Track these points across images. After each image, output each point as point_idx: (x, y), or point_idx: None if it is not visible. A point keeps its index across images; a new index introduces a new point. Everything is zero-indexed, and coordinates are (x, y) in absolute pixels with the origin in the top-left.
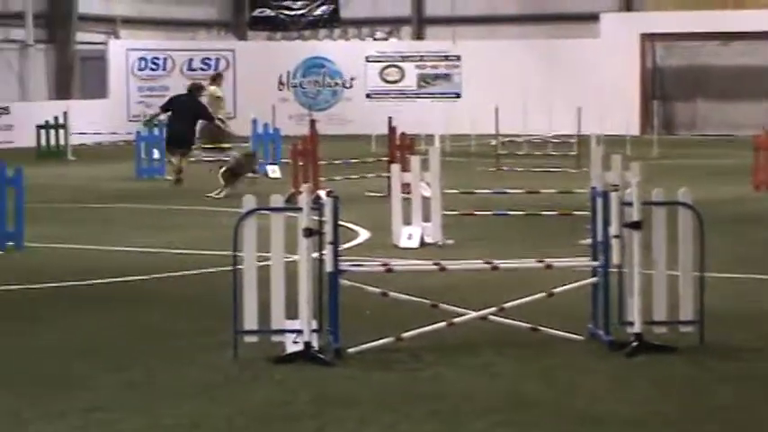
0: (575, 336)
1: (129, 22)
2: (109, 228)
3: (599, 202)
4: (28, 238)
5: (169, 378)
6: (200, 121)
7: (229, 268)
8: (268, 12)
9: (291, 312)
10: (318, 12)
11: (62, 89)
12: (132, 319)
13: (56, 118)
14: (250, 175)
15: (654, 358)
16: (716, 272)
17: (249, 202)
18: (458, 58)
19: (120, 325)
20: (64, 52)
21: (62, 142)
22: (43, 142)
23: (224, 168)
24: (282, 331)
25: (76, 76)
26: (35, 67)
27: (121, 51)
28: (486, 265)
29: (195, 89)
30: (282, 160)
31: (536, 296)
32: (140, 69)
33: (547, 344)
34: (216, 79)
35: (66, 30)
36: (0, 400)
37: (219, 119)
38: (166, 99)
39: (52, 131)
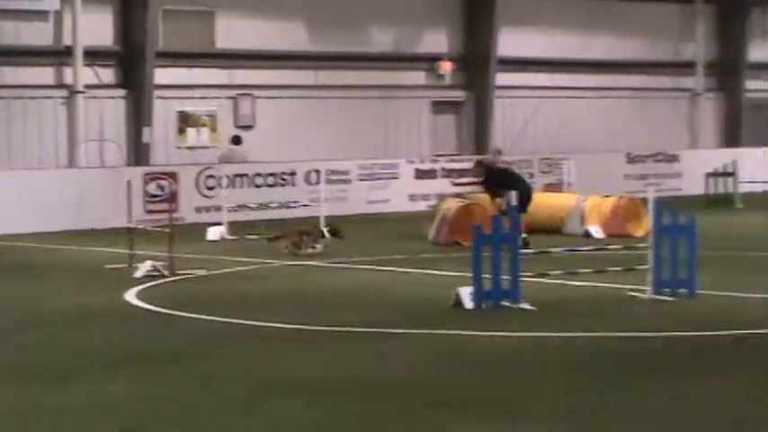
0: None
1: None
2: None
3: None
4: (700, 285)
5: None
6: None
7: None
8: None
9: None
10: None
11: (731, 137)
12: None
13: (725, 166)
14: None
15: None
16: None
17: None
18: None
19: None
20: (733, 100)
21: (731, 190)
22: (712, 190)
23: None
24: None
25: (746, 123)
26: (705, 115)
27: None
28: None
29: None
30: None
31: None
32: None
33: None
34: None
35: (735, 78)
36: None
37: None
38: None
39: (721, 179)
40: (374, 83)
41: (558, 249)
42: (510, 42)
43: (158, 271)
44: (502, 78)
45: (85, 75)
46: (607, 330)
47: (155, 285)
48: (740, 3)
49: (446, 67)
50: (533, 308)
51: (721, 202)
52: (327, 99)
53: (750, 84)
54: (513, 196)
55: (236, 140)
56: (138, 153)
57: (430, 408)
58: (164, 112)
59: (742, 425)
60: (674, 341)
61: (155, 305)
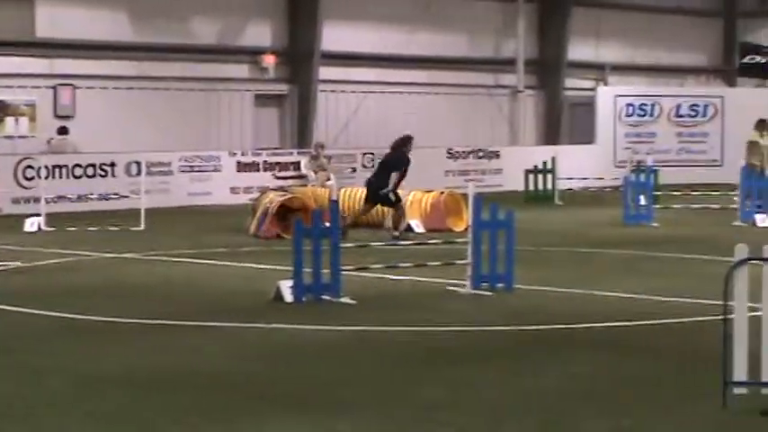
0: None
1: (618, 68)
2: (596, 273)
3: None
4: (517, 280)
5: (657, 427)
6: None
7: (715, 318)
8: (759, 59)
9: None
10: None
11: (551, 134)
12: (619, 366)
13: (544, 163)
14: None
15: None
16: None
17: (742, 251)
18: None
19: (606, 370)
20: (553, 98)
21: (549, 187)
22: (531, 186)
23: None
24: None
25: (565, 121)
26: (525, 112)
27: (609, 97)
28: None
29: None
30: None
31: None
32: (628, 115)
33: None
34: (758, 125)
35: (555, 76)
36: None
37: (752, 164)
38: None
39: (540, 176)
40: (197, 75)
41: (379, 243)
42: (334, 37)
43: None
44: (325, 72)
45: None
46: (426, 324)
47: None
48: (561, 2)
49: (269, 60)
50: (354, 301)
51: (540, 198)
52: (150, 90)
53: (569, 82)
54: (334, 189)
55: (63, 131)
56: None
57: (247, 401)
58: None
59: (551, 418)
60: (491, 335)
61: None
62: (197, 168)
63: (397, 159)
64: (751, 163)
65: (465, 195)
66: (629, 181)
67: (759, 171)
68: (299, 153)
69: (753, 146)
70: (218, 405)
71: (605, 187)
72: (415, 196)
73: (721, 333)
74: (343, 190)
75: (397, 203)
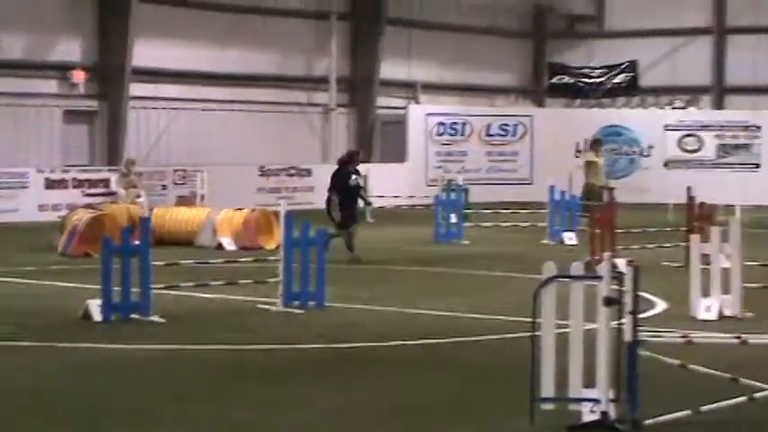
0: None
1: (429, 87)
2: (406, 290)
3: None
4: (328, 297)
5: None
6: None
7: (524, 334)
8: (567, 79)
9: (589, 381)
10: (617, 80)
11: (362, 152)
12: (429, 382)
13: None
14: None
15: None
16: None
17: (549, 268)
18: (758, 128)
19: (417, 387)
20: (365, 116)
21: (361, 205)
22: None
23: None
24: (580, 400)
25: (377, 139)
26: (337, 130)
27: (421, 116)
28: None
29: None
30: (578, 228)
31: None
32: (439, 134)
33: None
34: (593, 145)
35: (367, 94)
36: None
37: (591, 183)
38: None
39: None
40: (3, 90)
41: (189, 261)
42: (145, 53)
43: None
44: (136, 89)
45: None
46: (235, 342)
47: None
48: (374, 21)
49: (79, 76)
50: (163, 320)
51: None
52: None
53: (381, 100)
54: (145, 206)
55: None
56: None
57: (47, 421)
58: None
59: None
60: (301, 353)
61: None
62: (3, 185)
63: (335, 177)
64: (590, 183)
65: (277, 213)
66: (439, 199)
67: (598, 190)
68: (109, 170)
69: (591, 165)
70: (11, 426)
71: (417, 205)
72: (226, 214)
73: (529, 349)
74: (155, 208)
75: (341, 227)
